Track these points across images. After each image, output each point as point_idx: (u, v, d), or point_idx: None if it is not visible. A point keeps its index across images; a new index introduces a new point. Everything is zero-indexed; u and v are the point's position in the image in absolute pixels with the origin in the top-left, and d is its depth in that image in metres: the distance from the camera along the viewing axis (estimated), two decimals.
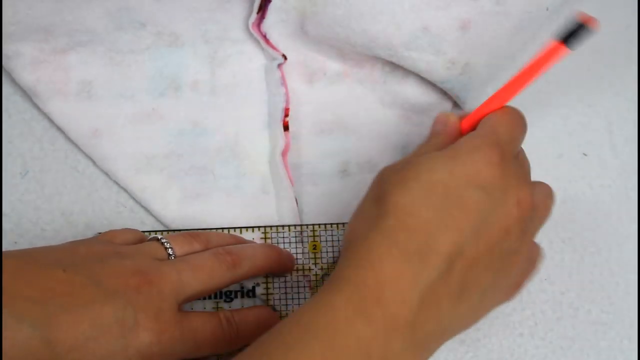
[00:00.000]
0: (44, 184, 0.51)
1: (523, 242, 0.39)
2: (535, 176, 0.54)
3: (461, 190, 0.37)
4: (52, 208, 0.50)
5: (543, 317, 0.49)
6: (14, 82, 0.53)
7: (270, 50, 0.54)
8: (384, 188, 0.38)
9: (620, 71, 0.58)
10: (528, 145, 0.54)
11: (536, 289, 0.50)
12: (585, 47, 0.59)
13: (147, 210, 0.51)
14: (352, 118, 0.54)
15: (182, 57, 0.54)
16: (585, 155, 0.55)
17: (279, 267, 0.47)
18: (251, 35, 0.55)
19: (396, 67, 0.54)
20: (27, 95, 0.53)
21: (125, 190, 0.51)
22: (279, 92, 0.53)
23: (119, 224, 0.50)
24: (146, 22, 0.54)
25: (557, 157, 0.55)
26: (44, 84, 0.52)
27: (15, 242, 0.49)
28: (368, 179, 0.51)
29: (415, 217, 0.36)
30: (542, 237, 0.51)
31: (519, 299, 0.49)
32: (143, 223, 0.50)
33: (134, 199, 0.51)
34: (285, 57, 0.54)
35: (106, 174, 0.51)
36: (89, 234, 0.49)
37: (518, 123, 0.42)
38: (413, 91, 0.54)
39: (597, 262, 0.51)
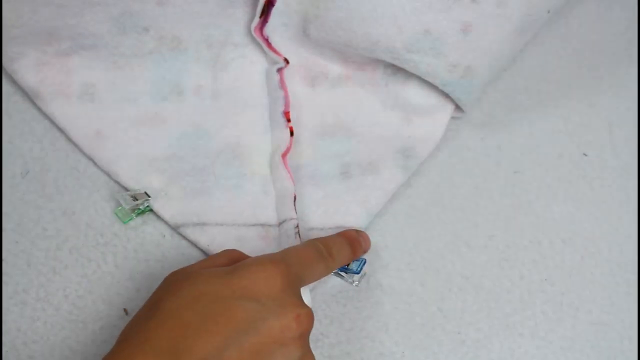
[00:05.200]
0: (45, 184, 0.51)
1: (303, 355, 0.39)
2: (535, 176, 0.54)
3: (232, 300, 0.38)
4: (54, 207, 0.50)
5: (543, 318, 0.49)
6: (15, 82, 0.53)
7: (272, 54, 0.54)
8: (160, 295, 0.39)
9: (620, 72, 0.58)
10: (528, 146, 0.55)
11: (536, 290, 0.50)
12: (585, 47, 0.59)
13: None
14: (354, 120, 0.54)
15: (184, 61, 0.54)
16: (585, 155, 0.55)
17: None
18: (253, 39, 0.55)
19: (398, 70, 0.54)
20: (27, 95, 0.53)
21: (126, 189, 0.51)
22: (279, 95, 0.53)
23: (120, 225, 0.50)
24: (149, 26, 0.54)
25: (557, 157, 0.55)
26: (47, 86, 0.52)
27: (17, 242, 0.49)
28: (369, 180, 0.51)
29: (176, 319, 0.37)
30: (543, 237, 0.52)
31: (520, 300, 0.50)
32: (145, 223, 0.50)
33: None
34: (287, 61, 0.54)
35: (107, 174, 0.51)
36: (91, 233, 0.49)
37: (313, 256, 0.43)
38: (415, 94, 0.54)
39: (597, 263, 0.51)
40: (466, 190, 0.53)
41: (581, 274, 0.51)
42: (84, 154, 0.52)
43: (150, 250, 0.49)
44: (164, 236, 0.50)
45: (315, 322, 0.47)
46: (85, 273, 0.48)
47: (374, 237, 0.50)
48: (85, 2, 0.54)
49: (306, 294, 0.46)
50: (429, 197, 0.53)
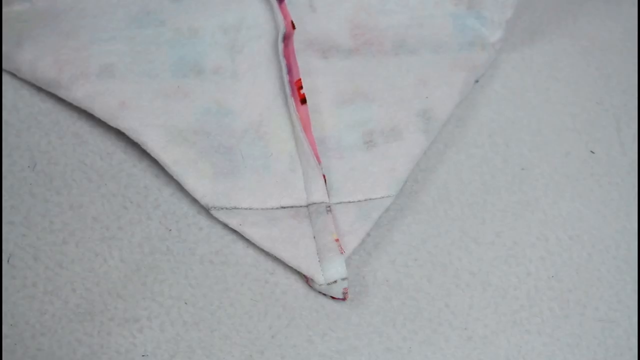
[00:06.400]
0: (53, 177, 0.51)
1: None
2: (543, 173, 0.54)
3: None
4: (61, 201, 0.50)
5: (550, 315, 0.49)
6: (20, 77, 0.53)
7: (279, 15, 0.54)
8: None
9: (628, 69, 0.58)
10: (536, 143, 0.55)
11: (543, 287, 0.50)
12: (593, 45, 0.59)
13: (179, 184, 0.50)
14: (372, 86, 0.54)
15: (202, 46, 0.54)
16: (593, 152, 0.55)
17: None
18: (267, 19, 0.55)
19: (405, 42, 0.55)
20: (34, 89, 0.53)
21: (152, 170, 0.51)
22: (283, 65, 0.53)
23: (126, 219, 0.50)
24: (166, 20, 0.54)
25: (564, 155, 0.55)
26: (66, 72, 0.52)
27: (24, 235, 0.49)
28: (394, 147, 0.52)
29: None
30: (550, 234, 0.52)
31: (527, 296, 0.50)
32: (149, 218, 0.50)
33: (151, 182, 0.51)
34: (294, 26, 0.54)
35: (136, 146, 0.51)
36: (97, 227, 0.49)
37: None
38: (426, 62, 0.54)
39: (604, 260, 0.51)
40: (473, 187, 0.53)
41: (588, 271, 0.51)
42: (91, 146, 0.52)
43: (155, 244, 0.49)
44: (170, 230, 0.50)
45: (323, 317, 0.48)
46: (92, 267, 0.48)
47: (381, 233, 0.51)
48: (107, 4, 0.55)
49: (342, 265, 0.47)
50: (437, 193, 0.53)
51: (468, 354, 0.48)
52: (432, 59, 0.55)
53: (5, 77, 0.54)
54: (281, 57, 0.54)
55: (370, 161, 0.51)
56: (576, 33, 0.59)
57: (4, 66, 0.53)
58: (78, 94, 0.52)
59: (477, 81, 0.56)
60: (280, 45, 0.54)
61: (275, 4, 0.55)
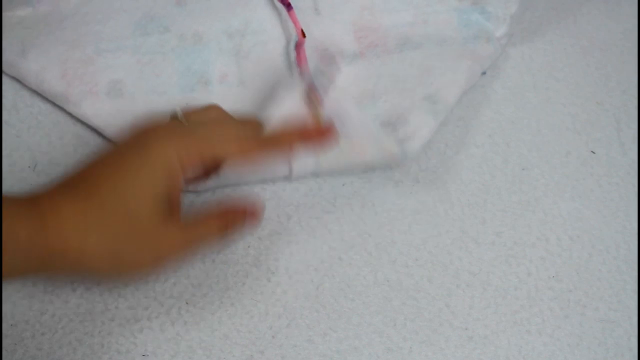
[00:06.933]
0: (53, 178, 0.50)
1: None
2: (543, 173, 0.54)
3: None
4: None
5: (551, 315, 0.49)
6: (20, 82, 0.53)
7: (290, 24, 0.54)
8: None
9: (628, 69, 0.58)
10: (536, 143, 0.55)
11: (544, 287, 0.50)
12: (593, 45, 0.59)
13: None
14: (376, 85, 0.54)
15: (207, 53, 0.54)
16: (593, 152, 0.55)
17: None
18: (273, 24, 0.55)
19: (409, 40, 0.55)
20: (35, 91, 0.53)
21: None
22: (296, 73, 0.53)
23: None
24: (169, 26, 0.54)
25: (565, 155, 0.55)
26: (74, 87, 0.52)
27: None
28: (401, 132, 0.51)
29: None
30: (550, 234, 0.52)
31: (527, 296, 0.50)
32: None
33: None
34: (304, 34, 0.54)
35: None
36: None
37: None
38: (431, 52, 0.55)
39: (604, 260, 0.51)
40: (474, 187, 0.53)
41: (588, 271, 0.51)
42: (92, 146, 0.52)
43: None
44: None
45: (323, 317, 0.48)
46: None
47: (382, 233, 0.51)
48: (110, 9, 0.54)
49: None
50: (437, 194, 0.53)
51: (468, 354, 0.48)
52: (436, 51, 0.55)
53: (5, 77, 0.53)
54: (294, 66, 0.54)
55: (384, 134, 0.52)
56: (576, 33, 0.59)
57: (9, 73, 0.53)
58: (87, 112, 0.52)
59: (484, 73, 0.56)
60: (293, 54, 0.54)
61: (284, 11, 0.55)
